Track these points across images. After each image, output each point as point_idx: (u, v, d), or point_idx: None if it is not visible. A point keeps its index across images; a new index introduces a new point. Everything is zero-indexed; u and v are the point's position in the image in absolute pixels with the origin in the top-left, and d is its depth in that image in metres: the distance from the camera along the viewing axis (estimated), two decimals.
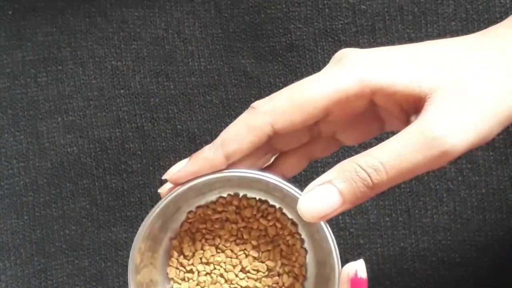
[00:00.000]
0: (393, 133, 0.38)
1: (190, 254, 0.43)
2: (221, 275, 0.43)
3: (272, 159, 0.43)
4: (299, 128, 0.39)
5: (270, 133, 0.38)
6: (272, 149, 0.42)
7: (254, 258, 0.43)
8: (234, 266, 0.43)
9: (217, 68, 0.56)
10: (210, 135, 0.56)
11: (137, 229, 0.40)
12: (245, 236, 0.43)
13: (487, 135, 0.37)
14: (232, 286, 0.43)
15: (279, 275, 0.43)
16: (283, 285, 0.43)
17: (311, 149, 0.43)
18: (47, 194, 0.57)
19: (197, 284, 0.43)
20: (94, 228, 0.57)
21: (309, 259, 0.43)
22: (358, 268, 0.38)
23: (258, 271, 0.43)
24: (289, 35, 0.55)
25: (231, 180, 0.41)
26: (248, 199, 0.43)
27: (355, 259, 0.55)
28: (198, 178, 0.40)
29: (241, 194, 0.43)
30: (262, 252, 0.43)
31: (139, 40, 0.56)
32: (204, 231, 0.43)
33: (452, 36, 0.54)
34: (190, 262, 0.43)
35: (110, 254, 0.57)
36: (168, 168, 0.56)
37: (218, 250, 0.43)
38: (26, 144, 0.57)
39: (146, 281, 0.42)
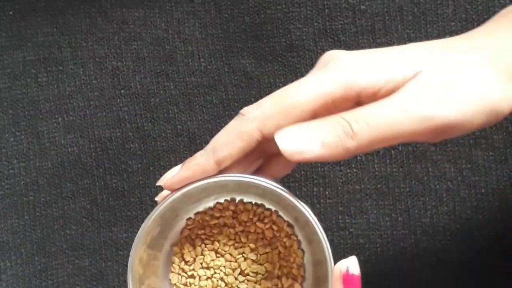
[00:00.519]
0: None
1: (191, 259, 0.44)
2: (222, 279, 0.43)
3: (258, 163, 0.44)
4: None
5: (259, 138, 0.39)
6: (263, 153, 0.42)
7: (253, 261, 0.43)
8: (233, 270, 0.43)
9: (217, 68, 0.56)
10: (210, 135, 0.56)
11: (138, 229, 0.41)
12: (243, 240, 0.43)
13: (470, 118, 0.37)
14: None
15: (278, 277, 0.43)
16: (282, 286, 0.43)
17: None
18: (47, 194, 0.57)
19: None
20: (94, 228, 0.57)
21: (307, 259, 0.44)
22: (350, 264, 0.38)
23: (257, 273, 0.43)
24: (289, 36, 0.55)
25: (228, 185, 0.41)
26: (245, 203, 0.44)
27: None
28: (193, 184, 0.40)
29: (237, 199, 0.44)
30: (260, 254, 0.43)
31: (139, 41, 0.57)
32: (203, 236, 0.44)
33: (451, 36, 0.54)
34: (191, 267, 0.44)
35: (110, 254, 0.57)
36: (169, 169, 0.57)
37: (218, 255, 0.44)
38: (27, 144, 0.57)
39: None
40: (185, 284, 0.44)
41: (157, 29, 0.56)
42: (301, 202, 0.40)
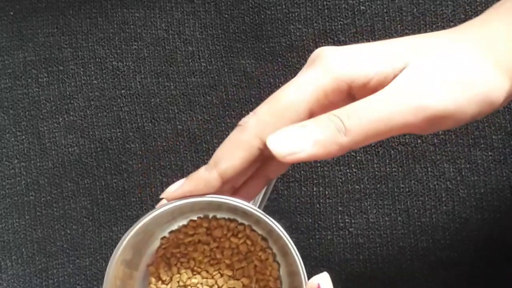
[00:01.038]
0: None
1: (168, 278, 0.44)
2: None
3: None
4: None
5: (260, 146, 0.39)
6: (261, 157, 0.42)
7: (229, 276, 0.43)
8: (210, 287, 0.43)
9: (217, 68, 0.56)
10: (210, 135, 0.57)
11: None
12: (218, 256, 0.43)
13: (463, 109, 0.37)
14: None
15: None
16: None
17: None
18: (48, 193, 0.57)
19: None
20: (95, 227, 0.57)
21: (282, 271, 0.44)
22: (321, 282, 0.38)
23: None
24: (289, 36, 0.55)
25: (200, 203, 0.41)
26: (218, 219, 0.44)
27: (354, 259, 0.55)
28: (167, 205, 0.40)
29: (210, 216, 0.44)
30: (236, 269, 0.43)
31: (139, 41, 0.57)
32: (178, 255, 0.44)
33: None
34: (168, 286, 0.44)
35: (111, 254, 0.57)
36: (169, 168, 0.57)
37: (194, 272, 0.43)
38: (28, 144, 0.57)
39: None
40: None
41: (158, 29, 0.57)
42: (271, 218, 0.40)
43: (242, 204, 0.40)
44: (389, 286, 0.56)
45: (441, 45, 0.39)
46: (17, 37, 0.57)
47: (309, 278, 0.39)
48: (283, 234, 0.40)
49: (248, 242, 0.43)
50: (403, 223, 0.55)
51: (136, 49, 0.57)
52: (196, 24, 0.56)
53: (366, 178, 0.55)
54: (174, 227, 0.44)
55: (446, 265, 0.55)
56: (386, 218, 0.55)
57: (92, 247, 0.57)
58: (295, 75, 0.56)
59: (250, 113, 0.39)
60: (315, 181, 0.56)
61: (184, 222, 0.44)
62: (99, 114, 0.57)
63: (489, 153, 0.55)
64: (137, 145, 0.57)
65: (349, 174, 0.56)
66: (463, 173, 0.55)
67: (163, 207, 0.40)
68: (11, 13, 0.57)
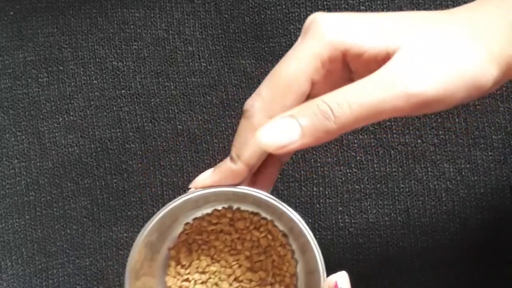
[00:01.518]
0: None
1: (187, 263, 0.44)
2: (216, 284, 0.44)
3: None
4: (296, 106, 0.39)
5: None
6: None
7: (247, 268, 0.44)
8: (228, 276, 0.43)
9: (217, 68, 0.56)
10: (210, 135, 0.57)
11: (138, 229, 0.41)
12: (239, 247, 0.44)
13: (452, 93, 0.37)
14: None
15: (271, 284, 0.43)
16: None
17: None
18: (48, 193, 0.57)
19: None
20: (95, 227, 0.57)
21: (299, 269, 0.44)
22: (339, 280, 0.39)
23: (251, 280, 0.43)
24: (289, 36, 0.55)
25: (226, 194, 0.41)
26: (242, 211, 0.44)
27: (354, 259, 0.56)
28: (194, 193, 0.40)
29: (234, 207, 0.44)
30: (255, 262, 0.44)
31: (139, 41, 0.57)
32: (200, 242, 0.44)
33: None
34: (187, 271, 0.44)
35: (111, 254, 0.57)
36: (169, 168, 0.57)
37: (213, 260, 0.44)
38: (28, 144, 0.57)
39: None
40: (180, 287, 0.44)
41: (158, 29, 0.57)
42: (295, 213, 0.40)
43: (268, 197, 0.40)
44: (389, 286, 0.56)
45: (435, 28, 0.39)
46: (17, 37, 0.57)
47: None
48: (306, 229, 0.40)
49: (269, 236, 0.44)
50: (403, 223, 0.55)
51: (136, 49, 0.57)
52: (196, 24, 0.56)
53: (366, 178, 0.55)
54: (198, 214, 0.45)
55: (446, 265, 0.55)
56: (386, 218, 0.55)
57: (92, 247, 0.57)
58: None
59: (253, 95, 0.40)
60: (315, 181, 0.56)
61: (209, 210, 0.45)
62: (99, 114, 0.57)
63: (489, 153, 0.55)
64: (137, 145, 0.57)
65: (349, 174, 0.56)
66: (463, 173, 0.55)
67: (192, 193, 0.41)
68: (11, 13, 0.57)
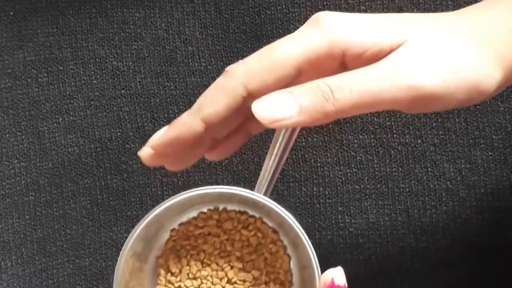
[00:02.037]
0: None
1: (177, 271, 0.44)
2: None
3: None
4: (272, 89, 0.39)
5: (244, 94, 0.39)
6: (245, 112, 0.42)
7: (239, 269, 0.43)
8: (220, 279, 0.43)
9: (217, 68, 0.56)
10: None
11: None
12: (228, 248, 0.43)
13: (452, 91, 0.37)
14: None
15: (265, 283, 0.43)
16: None
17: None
18: (48, 193, 0.57)
19: None
20: (95, 227, 0.57)
21: (293, 264, 0.44)
22: (335, 275, 0.38)
23: (244, 281, 0.43)
24: None
25: (210, 195, 0.41)
26: (228, 211, 0.44)
27: (354, 259, 0.55)
28: (177, 197, 0.40)
29: (220, 208, 0.44)
30: (247, 262, 0.43)
31: (139, 41, 0.57)
32: (188, 247, 0.44)
33: None
34: (178, 279, 0.43)
35: (111, 254, 0.57)
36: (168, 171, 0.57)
37: (204, 265, 0.43)
38: (27, 144, 0.57)
39: None
40: None
41: (158, 29, 0.57)
42: (282, 209, 0.40)
43: (255, 195, 0.40)
44: (389, 286, 0.56)
45: (441, 28, 0.38)
46: (17, 37, 0.57)
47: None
48: (295, 224, 0.40)
49: (259, 234, 0.44)
50: (403, 223, 0.55)
51: (136, 49, 0.57)
52: (196, 24, 0.56)
53: (366, 178, 0.55)
54: (184, 219, 0.44)
55: (446, 265, 0.55)
56: (386, 218, 0.55)
57: (92, 247, 0.57)
58: None
59: (240, 60, 0.39)
60: (315, 181, 0.56)
61: (194, 214, 0.44)
62: (99, 114, 0.57)
63: (489, 153, 0.55)
64: (137, 145, 0.57)
65: (349, 174, 0.56)
66: (463, 173, 0.55)
67: (174, 198, 0.40)
68: (11, 13, 0.57)
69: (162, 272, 0.44)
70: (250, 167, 0.56)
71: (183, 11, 0.56)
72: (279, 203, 0.40)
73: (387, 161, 0.55)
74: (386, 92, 0.36)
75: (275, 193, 0.56)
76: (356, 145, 0.55)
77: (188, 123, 0.40)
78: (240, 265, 0.43)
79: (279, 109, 0.36)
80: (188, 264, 0.44)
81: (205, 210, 0.44)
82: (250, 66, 0.39)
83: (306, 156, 0.56)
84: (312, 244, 0.40)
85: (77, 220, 0.57)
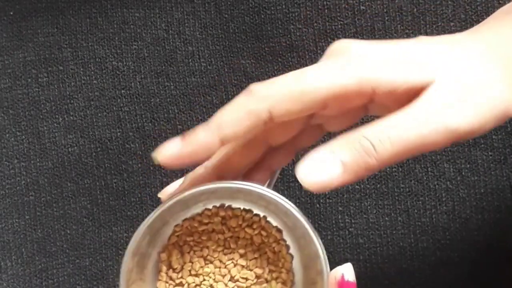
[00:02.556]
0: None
1: (179, 267, 0.43)
2: (211, 286, 0.43)
3: None
4: (295, 119, 0.38)
5: (267, 120, 0.37)
6: (264, 144, 0.41)
7: (242, 266, 0.43)
8: (223, 276, 0.43)
9: (217, 68, 0.56)
10: None
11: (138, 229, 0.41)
12: (232, 246, 0.43)
13: (484, 125, 0.37)
14: None
15: (267, 281, 0.43)
16: None
17: (298, 139, 0.42)
18: (48, 193, 0.57)
19: None
20: (95, 227, 0.57)
21: (296, 264, 0.44)
22: (345, 272, 0.38)
23: (247, 279, 0.43)
24: (289, 36, 0.55)
25: (216, 191, 0.41)
26: (233, 209, 0.44)
27: (354, 259, 0.56)
28: (184, 192, 0.40)
29: (225, 205, 0.44)
30: (250, 260, 0.43)
31: (139, 41, 0.57)
32: (191, 243, 0.44)
33: None
34: (179, 275, 0.43)
35: (111, 254, 0.57)
36: (168, 171, 0.57)
37: (207, 261, 0.43)
38: (27, 144, 0.57)
39: None
40: None
41: (158, 29, 0.57)
42: (291, 203, 0.40)
43: (263, 190, 0.40)
44: (389, 286, 0.56)
45: (466, 54, 0.38)
46: (17, 37, 0.57)
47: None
48: (303, 219, 0.39)
49: (263, 233, 0.44)
50: (403, 223, 0.55)
51: (136, 49, 0.57)
52: (196, 24, 0.56)
53: (366, 178, 0.55)
54: (188, 215, 0.44)
55: (446, 265, 0.55)
56: (386, 218, 0.55)
57: (92, 247, 0.57)
58: None
59: (265, 81, 0.38)
60: None
61: (198, 210, 0.44)
62: (99, 114, 0.57)
63: (489, 153, 0.55)
64: (137, 145, 0.57)
65: None
66: (463, 173, 0.55)
67: (179, 194, 0.40)
68: (11, 13, 0.57)
69: (164, 267, 0.44)
70: None
71: (183, 11, 0.56)
72: None
73: None
74: (426, 138, 0.35)
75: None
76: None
77: (204, 141, 0.38)
78: (243, 263, 0.43)
79: (324, 173, 0.35)
80: (191, 261, 0.43)
81: (210, 207, 0.44)
82: (277, 92, 0.37)
83: None
84: None
85: (77, 220, 0.57)
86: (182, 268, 0.43)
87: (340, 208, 0.56)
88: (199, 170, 0.39)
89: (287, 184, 0.56)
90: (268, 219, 0.44)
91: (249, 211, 0.44)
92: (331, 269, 0.39)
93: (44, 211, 0.57)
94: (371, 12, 0.55)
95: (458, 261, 0.55)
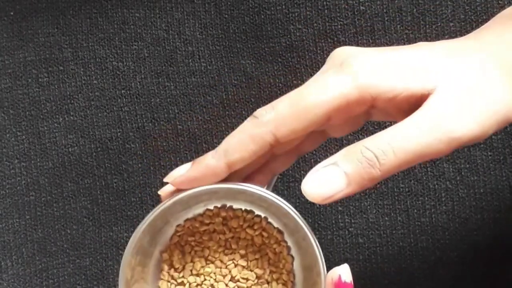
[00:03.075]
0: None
1: (181, 266, 0.44)
2: (212, 286, 0.43)
3: None
4: (300, 135, 0.39)
5: (272, 142, 0.39)
6: (268, 151, 0.42)
7: (243, 267, 0.43)
8: (224, 276, 0.43)
9: (217, 68, 0.56)
10: (210, 135, 0.57)
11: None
12: (233, 246, 0.43)
13: (486, 131, 0.37)
14: None
15: (268, 282, 0.43)
16: None
17: (301, 145, 0.43)
18: (48, 193, 0.57)
19: None
20: (95, 227, 0.57)
21: (296, 265, 0.44)
22: (342, 272, 0.39)
23: (247, 279, 0.43)
24: (288, 36, 0.55)
25: (218, 192, 0.41)
26: (234, 210, 0.44)
27: (354, 259, 0.56)
28: (185, 192, 0.40)
29: (227, 206, 0.44)
30: (250, 261, 0.43)
31: (140, 41, 0.57)
32: (193, 243, 0.44)
33: (450, 37, 0.54)
34: (181, 274, 0.44)
35: (111, 253, 0.57)
36: (169, 169, 0.57)
37: (208, 261, 0.44)
38: (28, 144, 0.57)
39: None
40: None
41: (158, 29, 0.57)
42: (291, 207, 0.40)
43: (264, 192, 0.40)
44: (389, 285, 0.56)
45: (467, 61, 0.38)
46: (17, 37, 0.57)
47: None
48: (301, 220, 0.40)
49: (264, 234, 0.44)
50: (403, 223, 0.55)
51: (136, 49, 0.57)
52: (196, 24, 0.56)
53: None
54: (189, 215, 0.44)
55: (445, 265, 0.55)
56: (386, 218, 0.56)
57: (92, 247, 0.57)
58: (295, 76, 0.56)
59: (268, 105, 0.39)
60: None
61: (200, 210, 0.44)
62: (99, 114, 0.57)
63: (489, 153, 0.55)
64: (137, 145, 0.57)
65: None
66: (462, 173, 0.55)
67: (181, 194, 0.40)
68: (11, 13, 0.57)
69: (166, 267, 0.44)
70: None
71: (183, 11, 0.56)
72: None
73: None
74: (429, 148, 0.36)
75: (275, 193, 0.56)
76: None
77: (212, 166, 0.39)
78: (244, 263, 0.43)
79: (328, 186, 0.36)
80: (192, 261, 0.44)
81: (211, 207, 0.44)
82: (280, 114, 0.38)
83: (306, 156, 0.56)
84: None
85: (77, 220, 0.57)
86: (183, 268, 0.44)
87: (339, 208, 0.56)
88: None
89: (287, 184, 0.56)
90: (269, 220, 0.44)
91: (250, 212, 0.44)
92: (329, 269, 0.39)
93: (45, 211, 0.57)
94: (371, 12, 0.55)
95: (458, 261, 0.55)
